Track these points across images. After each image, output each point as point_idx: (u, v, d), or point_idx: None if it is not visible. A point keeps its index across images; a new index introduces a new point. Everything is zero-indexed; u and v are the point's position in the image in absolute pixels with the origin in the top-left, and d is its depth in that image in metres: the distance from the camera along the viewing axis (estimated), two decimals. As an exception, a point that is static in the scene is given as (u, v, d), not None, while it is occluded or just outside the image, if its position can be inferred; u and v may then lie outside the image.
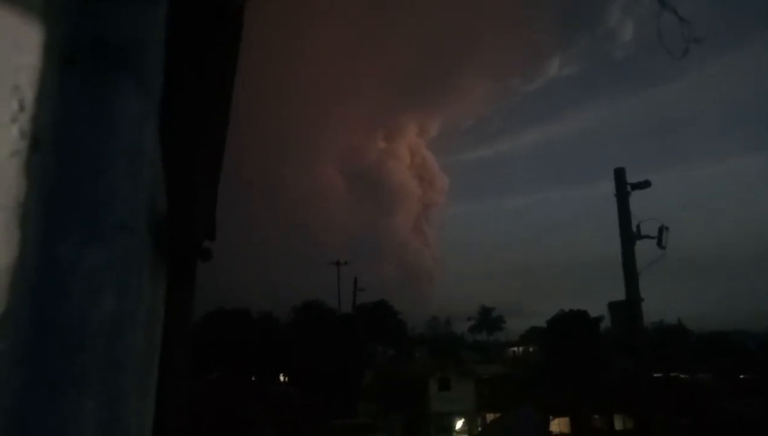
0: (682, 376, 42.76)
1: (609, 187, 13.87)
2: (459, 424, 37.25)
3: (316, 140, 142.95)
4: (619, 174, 13.59)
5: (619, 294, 14.86)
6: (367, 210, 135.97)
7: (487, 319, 79.05)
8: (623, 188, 13.41)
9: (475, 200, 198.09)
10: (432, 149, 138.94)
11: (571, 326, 41.63)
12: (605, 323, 34.63)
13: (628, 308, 14.24)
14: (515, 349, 69.08)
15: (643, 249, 14.39)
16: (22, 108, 0.76)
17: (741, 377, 42.59)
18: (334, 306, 44.90)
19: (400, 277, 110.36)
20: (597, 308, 38.86)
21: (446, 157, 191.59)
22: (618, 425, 34.66)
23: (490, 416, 34.98)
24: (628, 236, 13.37)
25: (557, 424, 36.04)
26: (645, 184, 13.27)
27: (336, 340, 37.00)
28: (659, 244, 13.39)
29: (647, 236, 13.33)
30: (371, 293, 48.44)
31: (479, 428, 35.90)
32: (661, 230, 13.13)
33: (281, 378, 42.95)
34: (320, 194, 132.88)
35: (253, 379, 37.89)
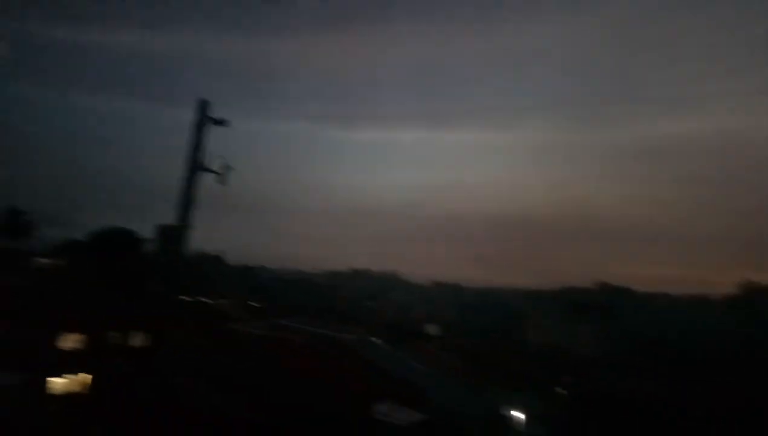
0: (206, 301, 47.38)
1: (191, 116, 14.09)
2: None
3: None
4: (203, 105, 14.03)
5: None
6: None
7: (15, 223, 67.96)
8: (203, 119, 13.94)
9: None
10: None
11: (113, 242, 40.17)
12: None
13: (174, 232, 14.80)
14: (45, 260, 62.15)
15: (207, 183, 15.24)
16: None
17: (254, 304, 50.56)
18: None
19: None
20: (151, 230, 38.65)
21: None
22: (135, 342, 35.48)
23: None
24: (194, 166, 13.95)
25: (70, 339, 34.24)
26: (224, 122, 14.12)
27: None
28: (221, 181, 14.47)
29: (212, 171, 14.22)
30: None
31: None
32: (226, 167, 14.24)
33: None
34: None
35: None
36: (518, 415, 31.38)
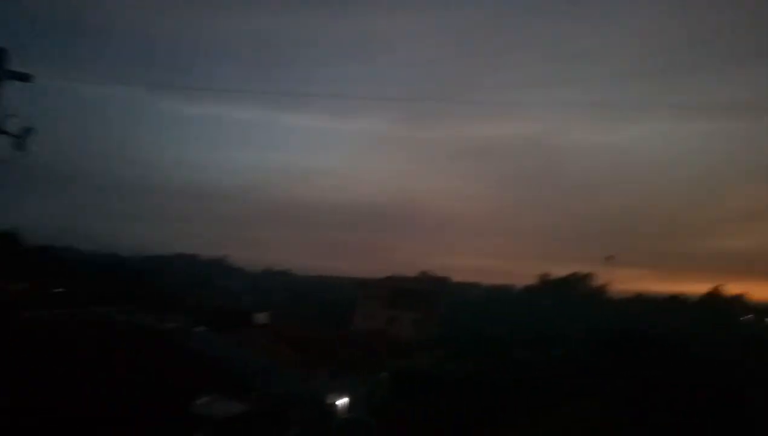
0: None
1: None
2: None
3: None
4: None
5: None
6: None
7: None
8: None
9: None
10: None
11: None
12: None
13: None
14: None
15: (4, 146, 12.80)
16: None
17: (56, 290, 44.78)
18: None
19: None
20: None
21: None
22: None
23: None
24: (-16, 125, 11.59)
25: None
26: (27, 77, 11.57)
27: None
28: (19, 146, 12.23)
29: (8, 133, 11.94)
30: None
31: None
32: (26, 130, 12.05)
33: None
34: None
35: None
36: (343, 400, 32.29)
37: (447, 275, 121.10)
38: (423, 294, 72.52)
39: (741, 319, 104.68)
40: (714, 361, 40.78)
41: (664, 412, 21.42)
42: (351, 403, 32.82)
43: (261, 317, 47.56)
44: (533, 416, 21.73)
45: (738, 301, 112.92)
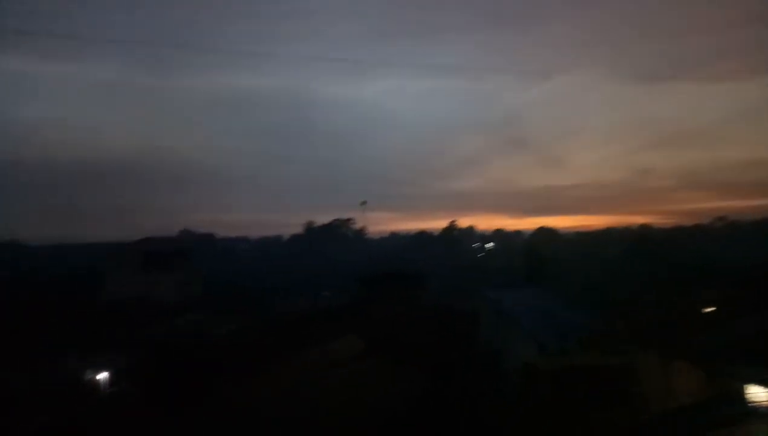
0: None
1: None
2: None
3: None
4: None
5: None
6: None
7: None
8: None
9: None
10: None
11: None
12: None
13: None
14: None
15: None
16: None
17: None
18: None
19: None
20: None
21: None
22: None
23: None
24: None
25: None
26: None
27: None
28: None
29: None
30: None
31: None
32: None
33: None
34: None
35: None
36: (103, 375, 29.90)
37: (211, 231, 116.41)
38: (184, 253, 68.19)
39: (472, 245, 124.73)
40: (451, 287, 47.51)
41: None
42: (111, 377, 30.24)
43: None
44: (290, 363, 22.22)
45: (468, 231, 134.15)
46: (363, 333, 25.23)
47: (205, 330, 36.55)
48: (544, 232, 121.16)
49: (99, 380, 30.11)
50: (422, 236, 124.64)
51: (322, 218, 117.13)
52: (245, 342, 28.56)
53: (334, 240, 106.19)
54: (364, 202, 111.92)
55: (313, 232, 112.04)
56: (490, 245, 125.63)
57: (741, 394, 16.18)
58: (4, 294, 48.01)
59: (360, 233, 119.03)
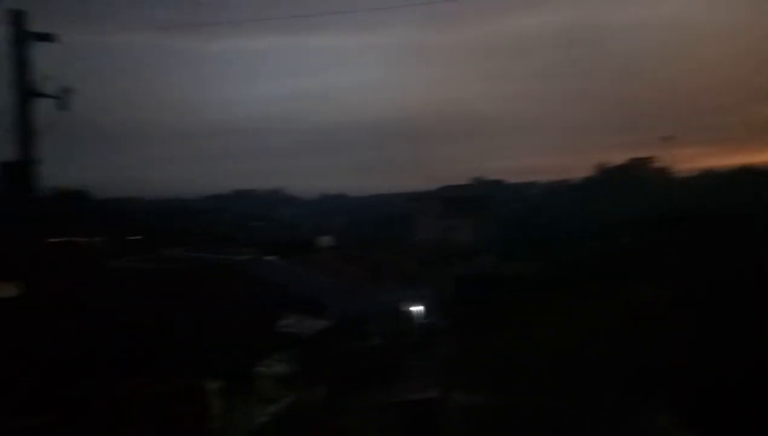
0: (79, 240, 43.68)
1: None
2: None
3: None
4: (18, 17, 11.39)
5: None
6: None
7: None
8: (22, 35, 11.56)
9: None
10: None
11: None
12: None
13: (21, 170, 13.05)
14: None
15: (47, 108, 13.28)
16: None
17: (132, 239, 47.58)
18: None
19: None
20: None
21: None
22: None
23: None
24: (26, 91, 11.97)
25: None
26: (49, 37, 11.66)
27: None
28: (62, 106, 12.66)
29: (49, 95, 12.33)
30: None
31: None
32: (65, 90, 12.41)
33: None
34: None
35: None
36: (417, 308, 34.20)
37: (501, 177, 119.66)
38: (477, 200, 72.25)
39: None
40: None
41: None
42: (424, 311, 34.53)
43: (324, 241, 49.12)
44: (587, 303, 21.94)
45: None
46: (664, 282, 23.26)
47: (504, 271, 38.61)
48: None
49: (413, 312, 34.37)
50: (743, 172, 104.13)
51: (617, 159, 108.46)
52: (547, 281, 29.44)
53: (630, 181, 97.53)
54: (668, 138, 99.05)
55: (606, 173, 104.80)
56: None
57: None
58: (341, 236, 58.72)
59: (662, 171, 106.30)
